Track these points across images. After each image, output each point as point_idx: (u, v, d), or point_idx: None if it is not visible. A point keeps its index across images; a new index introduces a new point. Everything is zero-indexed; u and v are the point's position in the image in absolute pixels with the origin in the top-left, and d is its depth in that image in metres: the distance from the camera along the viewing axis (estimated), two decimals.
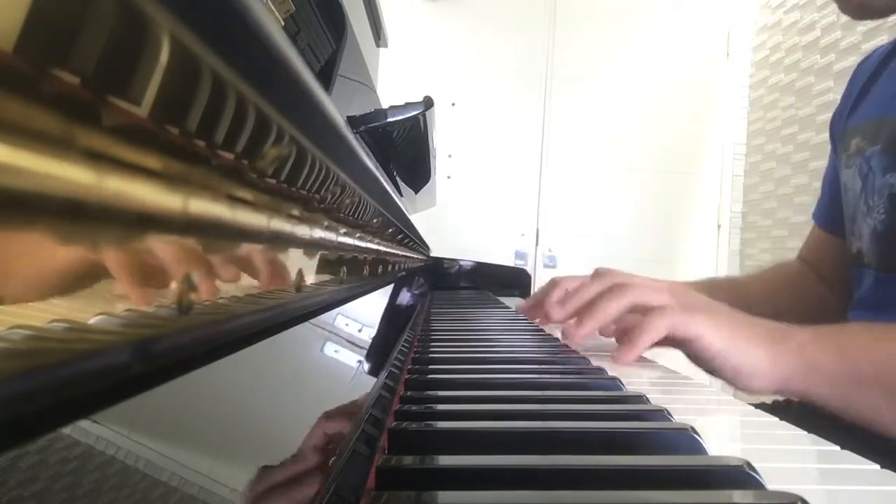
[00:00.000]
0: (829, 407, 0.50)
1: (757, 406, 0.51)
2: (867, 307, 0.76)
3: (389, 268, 0.69)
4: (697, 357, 0.52)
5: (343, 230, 0.37)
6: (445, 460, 0.25)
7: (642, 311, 0.56)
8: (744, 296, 0.90)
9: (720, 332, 0.50)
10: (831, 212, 0.89)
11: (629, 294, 0.57)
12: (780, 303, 0.90)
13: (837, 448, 0.33)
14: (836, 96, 1.04)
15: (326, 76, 0.51)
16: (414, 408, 0.34)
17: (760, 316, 0.55)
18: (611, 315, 0.58)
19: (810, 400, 0.51)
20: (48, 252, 0.11)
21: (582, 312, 0.59)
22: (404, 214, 0.69)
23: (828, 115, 0.95)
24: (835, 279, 0.89)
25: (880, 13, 0.68)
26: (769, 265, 1.02)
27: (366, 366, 0.40)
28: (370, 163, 0.36)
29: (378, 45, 1.01)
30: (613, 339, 0.63)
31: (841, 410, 0.50)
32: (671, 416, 0.34)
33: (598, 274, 0.64)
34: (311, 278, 0.30)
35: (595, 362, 0.52)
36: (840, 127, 0.86)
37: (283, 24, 0.35)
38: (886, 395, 0.49)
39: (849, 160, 0.80)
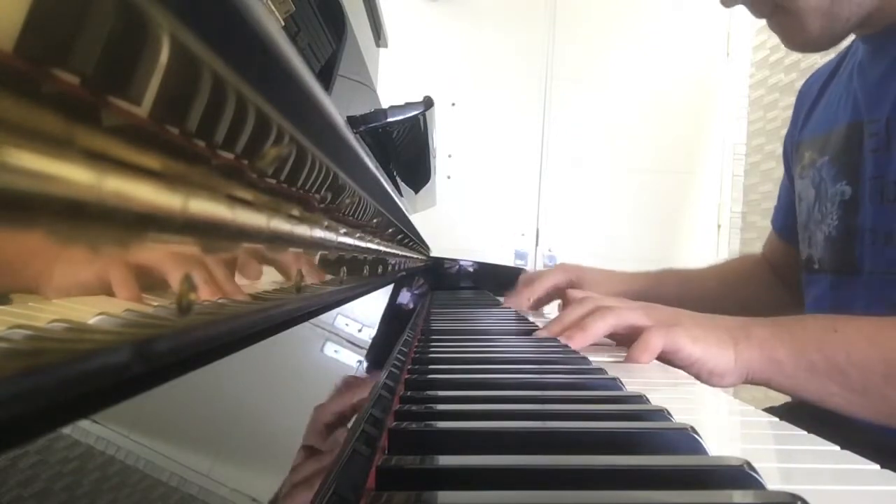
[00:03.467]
0: (784, 392, 0.59)
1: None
2: (823, 310, 0.82)
3: (389, 268, 0.69)
4: (676, 365, 0.59)
5: (343, 230, 0.37)
6: (445, 460, 0.25)
7: (630, 330, 0.63)
8: (697, 290, 1.03)
9: (696, 344, 0.58)
10: (785, 221, 0.99)
11: (614, 315, 0.63)
12: (741, 296, 1.02)
13: (837, 448, 0.33)
14: None
15: (326, 76, 0.51)
16: (414, 408, 0.34)
17: (721, 308, 0.65)
18: (600, 333, 0.64)
19: (770, 387, 0.58)
20: (48, 252, 0.11)
21: (572, 330, 0.64)
22: (404, 214, 0.69)
23: None
24: (787, 277, 1.00)
25: (823, 46, 0.74)
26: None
27: (366, 366, 0.40)
28: (370, 163, 0.36)
29: (378, 45, 1.01)
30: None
31: (795, 395, 0.58)
32: (671, 415, 0.34)
33: (579, 299, 0.71)
34: (311, 278, 0.30)
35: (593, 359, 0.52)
36: (792, 143, 0.94)
37: (283, 24, 0.35)
38: (837, 380, 0.55)
39: (802, 172, 0.87)
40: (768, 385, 0.58)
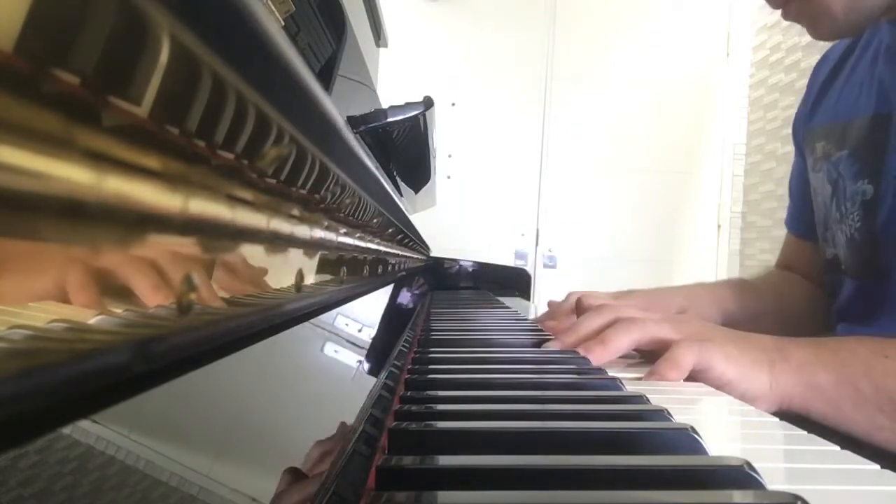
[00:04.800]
0: (827, 423, 0.51)
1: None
2: (853, 318, 0.76)
3: (389, 268, 0.69)
4: (707, 383, 0.52)
5: (343, 230, 0.37)
6: (445, 460, 0.25)
7: (656, 345, 0.56)
8: (753, 302, 0.88)
9: (730, 364, 0.51)
10: (802, 217, 0.90)
11: (638, 328, 0.56)
12: (786, 311, 0.89)
13: (837, 448, 0.33)
14: None
15: (326, 76, 0.51)
16: (414, 408, 0.34)
17: (775, 319, 0.54)
18: (623, 348, 0.56)
19: (809, 417, 0.52)
20: (48, 252, 0.11)
21: (591, 343, 0.56)
22: (404, 214, 0.69)
23: None
24: (820, 279, 0.90)
25: (853, 30, 0.67)
26: (766, 266, 1.02)
27: (366, 366, 0.40)
28: (370, 163, 0.36)
29: (378, 45, 1.01)
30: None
31: (839, 426, 0.51)
32: (671, 415, 0.34)
33: (596, 307, 0.62)
34: (311, 278, 0.30)
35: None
36: (802, 128, 0.86)
37: (283, 24, 0.35)
38: (887, 412, 0.49)
39: (815, 164, 0.80)
40: (807, 414, 0.51)
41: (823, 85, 0.82)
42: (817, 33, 0.67)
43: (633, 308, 0.62)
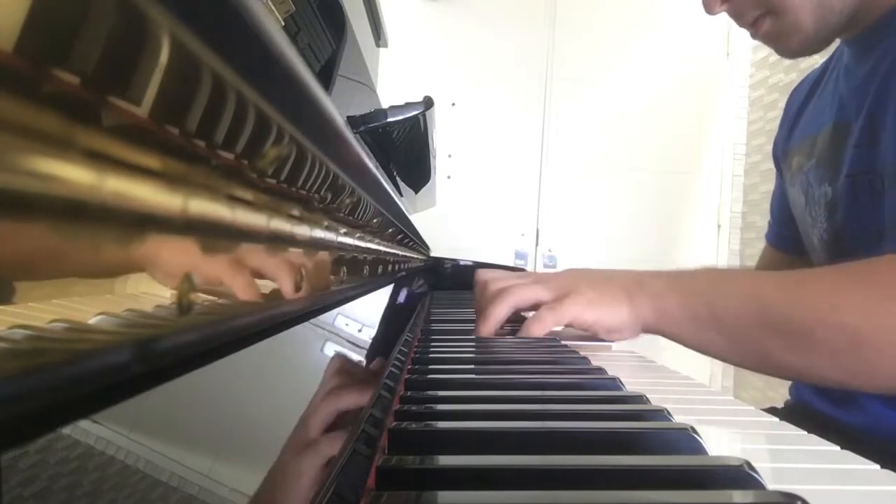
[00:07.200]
0: (675, 340, 0.61)
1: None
2: None
3: (389, 268, 0.69)
4: (581, 329, 0.62)
5: (343, 230, 0.37)
6: (445, 460, 0.25)
7: (533, 306, 0.65)
8: None
9: (589, 309, 0.61)
10: (780, 231, 0.97)
11: (511, 295, 0.65)
12: None
13: (837, 448, 0.33)
14: None
15: (326, 76, 0.51)
16: (414, 408, 0.34)
17: None
18: (502, 317, 0.65)
19: (664, 335, 0.61)
20: (48, 252, 0.11)
21: (478, 320, 0.66)
22: (404, 214, 0.69)
23: None
24: None
25: (819, 46, 0.72)
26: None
27: (366, 366, 0.40)
28: (370, 163, 0.36)
29: (378, 45, 1.01)
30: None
31: (683, 342, 0.61)
32: (671, 415, 0.34)
33: (481, 284, 0.72)
34: (310, 278, 0.30)
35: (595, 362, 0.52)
36: (781, 150, 0.93)
37: (283, 24, 0.35)
38: (716, 328, 0.58)
39: (792, 179, 0.86)
40: (661, 333, 0.60)
41: (798, 112, 0.89)
42: (788, 48, 0.72)
43: (511, 276, 0.71)
